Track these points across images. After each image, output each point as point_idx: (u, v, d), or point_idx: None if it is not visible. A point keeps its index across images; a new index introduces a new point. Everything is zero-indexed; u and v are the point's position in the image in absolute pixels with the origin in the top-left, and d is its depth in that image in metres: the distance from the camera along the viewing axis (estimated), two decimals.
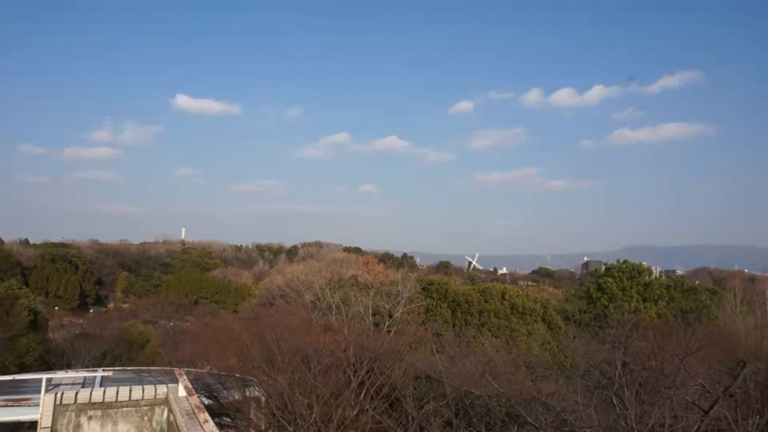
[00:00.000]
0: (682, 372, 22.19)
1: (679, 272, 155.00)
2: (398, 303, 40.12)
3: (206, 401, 26.01)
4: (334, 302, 40.03)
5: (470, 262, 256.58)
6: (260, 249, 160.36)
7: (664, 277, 71.27)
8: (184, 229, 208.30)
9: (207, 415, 12.95)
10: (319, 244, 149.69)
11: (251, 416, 27.13)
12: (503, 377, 28.66)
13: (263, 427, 26.55)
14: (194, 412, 13.24)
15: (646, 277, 50.15)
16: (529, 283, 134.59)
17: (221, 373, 27.75)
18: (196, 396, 14.17)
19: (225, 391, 27.07)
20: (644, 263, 59.08)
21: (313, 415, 22.74)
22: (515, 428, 27.11)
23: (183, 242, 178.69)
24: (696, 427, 21.01)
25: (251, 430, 26.26)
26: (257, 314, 41.44)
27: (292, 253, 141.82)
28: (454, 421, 28.03)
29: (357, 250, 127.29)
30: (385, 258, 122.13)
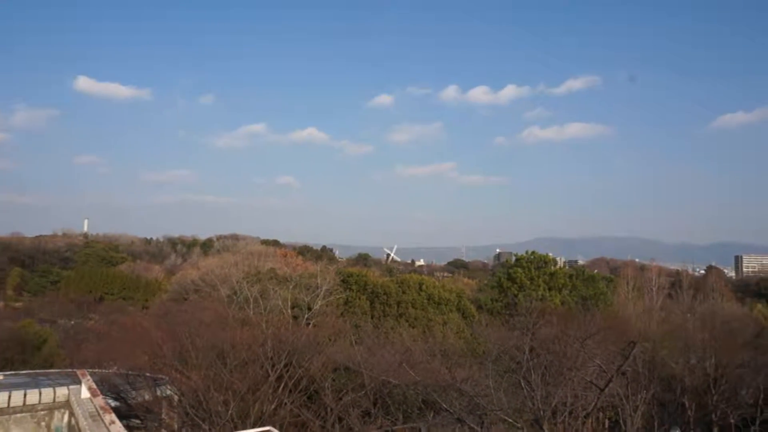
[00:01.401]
0: (582, 354, 24.04)
1: (581, 262, 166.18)
2: (317, 295, 40.02)
3: (113, 403, 24.64)
4: (251, 296, 39.22)
5: (389, 254, 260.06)
6: (172, 242, 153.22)
7: (567, 267, 76.17)
8: (87, 221, 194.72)
9: (114, 416, 12.37)
10: (235, 237, 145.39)
11: (163, 416, 26.06)
12: (420, 366, 29.53)
13: (176, 426, 25.60)
14: (99, 414, 12.56)
15: (552, 267, 53.33)
16: (445, 274, 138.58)
17: (130, 372, 26.41)
18: (101, 397, 13.47)
19: (134, 392, 25.79)
20: (550, 254, 62.82)
21: (230, 412, 22.28)
22: (431, 414, 28.13)
23: (86, 235, 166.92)
24: (593, 404, 22.90)
25: (163, 430, 25.24)
26: (169, 310, 39.74)
27: (207, 246, 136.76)
28: (372, 411, 28.57)
29: (275, 243, 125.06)
30: (304, 250, 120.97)
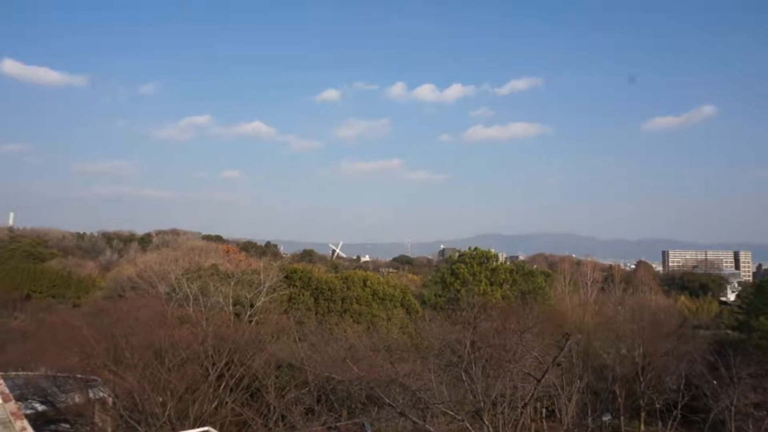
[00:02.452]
0: (520, 347, 24.82)
1: (521, 258, 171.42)
2: (260, 292, 39.34)
3: (40, 407, 23.34)
4: (191, 293, 38.07)
5: (334, 251, 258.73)
6: (107, 237, 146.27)
7: (508, 263, 78.41)
8: (12, 214, 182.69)
9: (26, 423, 11.62)
10: (176, 232, 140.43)
11: (95, 420, 24.92)
12: (364, 361, 29.60)
13: (110, 430, 24.54)
14: (10, 421, 11.77)
15: (494, 263, 54.75)
16: (390, 270, 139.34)
17: (58, 374, 25.07)
18: (13, 402, 12.55)
19: (63, 395, 24.52)
20: (492, 250, 64.50)
21: (167, 413, 21.59)
22: (375, 410, 28.30)
23: (11, 229, 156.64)
24: (530, 394, 23.69)
25: None
26: (103, 308, 37.93)
27: (145, 241, 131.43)
28: (315, 408, 28.42)
29: (218, 239, 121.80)
30: (248, 246, 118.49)
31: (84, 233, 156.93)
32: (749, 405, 29.81)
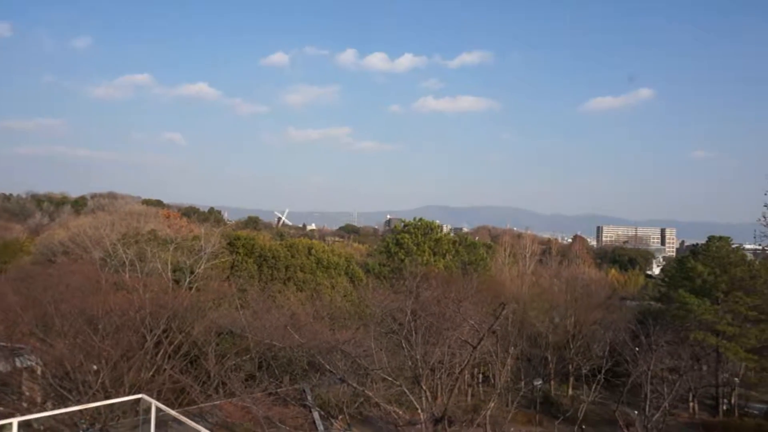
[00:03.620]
0: (459, 315, 25.65)
1: (465, 229, 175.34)
2: (201, 258, 38.54)
3: None
4: (127, 259, 36.82)
5: (280, 218, 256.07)
6: (37, 199, 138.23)
7: (452, 234, 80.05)
8: None
9: None
10: (113, 196, 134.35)
11: (23, 389, 24.01)
12: (306, 328, 29.78)
13: (39, 399, 23.73)
14: None
15: (438, 234, 55.76)
16: (337, 239, 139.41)
17: None
18: None
19: None
20: (437, 221, 65.61)
21: (100, 381, 21.03)
22: (317, 376, 28.67)
23: None
24: (467, 361, 24.62)
25: (24, 404, 23.30)
26: (31, 274, 36.15)
27: (79, 204, 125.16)
28: (257, 374, 28.47)
29: (158, 203, 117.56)
30: (190, 212, 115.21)
31: (11, 194, 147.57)
32: (664, 369, 32.21)
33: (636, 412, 28.81)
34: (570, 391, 45.60)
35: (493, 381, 37.83)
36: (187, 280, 35.89)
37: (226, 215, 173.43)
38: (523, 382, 35.84)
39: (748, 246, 54.59)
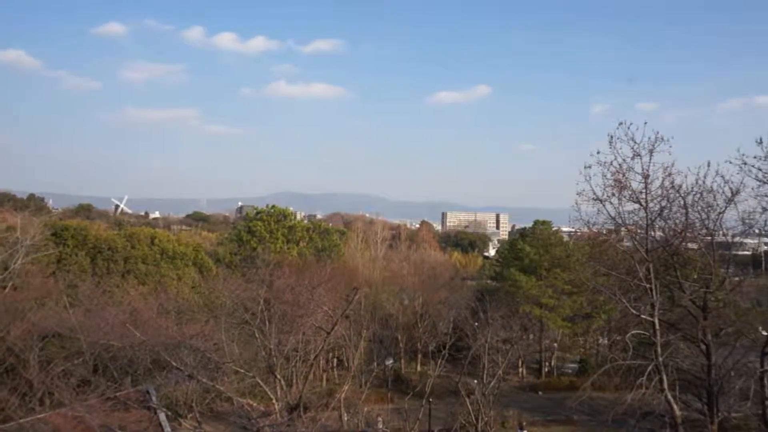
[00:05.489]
0: (312, 302, 25.74)
1: (319, 216, 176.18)
2: (18, 252, 33.64)
3: None
4: None
5: (118, 206, 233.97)
6: None
7: (306, 221, 79.94)
8: None
9: None
10: None
11: None
12: (149, 324, 27.65)
13: None
14: None
15: (291, 221, 55.28)
16: (183, 227, 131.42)
17: None
18: None
19: None
20: (290, 208, 64.97)
21: None
22: (163, 374, 26.80)
23: None
24: (321, 346, 24.86)
25: None
26: None
27: None
28: (92, 379, 25.78)
29: None
30: (5, 199, 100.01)
31: None
32: (499, 341, 35.72)
33: (475, 381, 31.56)
34: (419, 368, 48.47)
35: (347, 364, 38.74)
36: (1, 277, 31.16)
37: (50, 203, 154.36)
38: (375, 363, 37.21)
39: (564, 228, 62.45)
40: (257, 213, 55.16)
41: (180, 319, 31.76)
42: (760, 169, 19.24)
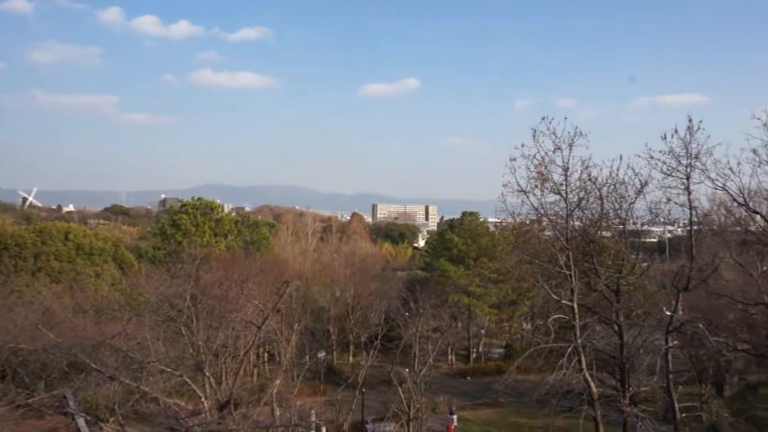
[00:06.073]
0: (242, 296, 25.16)
1: (248, 209, 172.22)
2: None
3: None
4: None
5: (26, 199, 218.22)
6: None
7: (234, 214, 77.83)
8: None
9: None
10: None
11: None
12: (64, 325, 26.00)
13: None
14: None
15: (218, 214, 53.64)
16: (101, 221, 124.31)
17: None
18: None
19: None
20: (218, 201, 62.94)
21: None
22: (81, 377, 25.28)
23: None
24: (252, 342, 24.39)
25: None
26: None
27: None
28: None
29: None
30: None
31: None
32: (429, 330, 36.54)
33: (407, 370, 32.15)
34: (351, 359, 48.71)
35: (278, 358, 38.28)
36: None
37: None
38: (307, 356, 37.01)
39: (491, 219, 64.69)
40: (182, 206, 53.05)
41: (99, 318, 30.08)
42: (664, 163, 20.85)
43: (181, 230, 49.20)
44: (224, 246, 49.60)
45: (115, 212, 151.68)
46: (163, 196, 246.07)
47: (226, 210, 73.00)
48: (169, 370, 21.44)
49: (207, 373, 21.91)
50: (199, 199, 53.50)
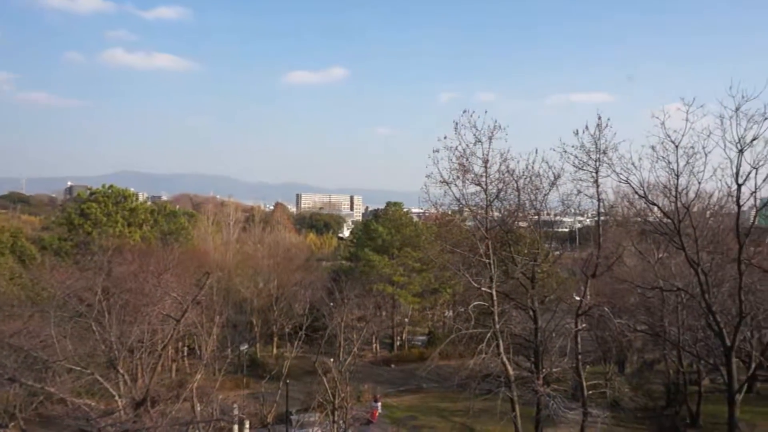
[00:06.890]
0: (159, 289, 24.08)
1: (165, 198, 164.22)
2: None
3: None
4: None
5: None
6: None
7: (150, 203, 74.02)
8: None
9: None
10: None
11: None
12: None
13: None
14: None
15: (132, 203, 50.75)
16: None
17: None
18: None
19: None
20: (132, 189, 59.47)
21: None
22: None
23: None
24: (170, 336, 23.43)
25: None
26: None
27: None
28: None
29: None
30: None
31: None
32: (354, 319, 36.81)
33: (332, 359, 32.18)
34: (275, 351, 48.06)
35: (199, 353, 37.02)
36: None
37: None
38: (229, 349, 36.09)
39: (414, 210, 65.86)
40: (91, 194, 49.62)
41: None
42: (576, 157, 22.22)
43: (90, 220, 46.09)
44: (139, 237, 47.08)
45: (14, 200, 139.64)
46: (69, 183, 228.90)
47: (141, 199, 69.25)
48: (78, 368, 20.19)
49: (121, 370, 20.86)
50: (111, 186, 50.30)
